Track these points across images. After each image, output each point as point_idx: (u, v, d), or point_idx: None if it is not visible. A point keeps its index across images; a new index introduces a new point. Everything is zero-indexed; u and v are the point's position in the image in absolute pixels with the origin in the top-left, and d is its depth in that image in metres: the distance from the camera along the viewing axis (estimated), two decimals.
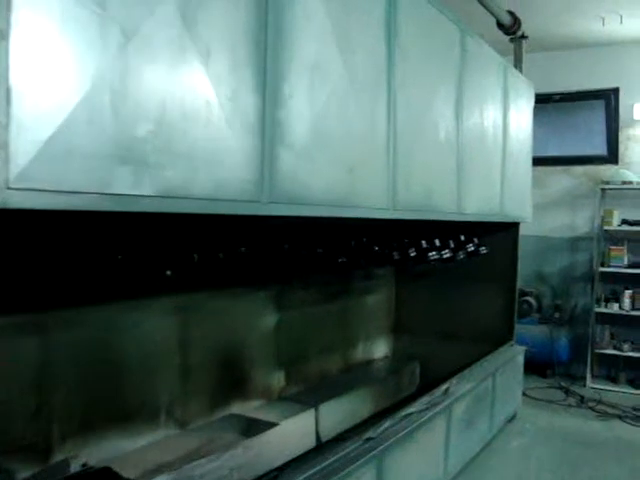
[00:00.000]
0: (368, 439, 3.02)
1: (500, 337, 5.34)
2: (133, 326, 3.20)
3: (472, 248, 4.71)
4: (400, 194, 2.88)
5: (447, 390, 3.81)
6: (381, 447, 2.99)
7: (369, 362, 5.46)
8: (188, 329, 3.53)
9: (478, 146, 3.96)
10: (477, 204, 3.96)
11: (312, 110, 2.25)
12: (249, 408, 4.00)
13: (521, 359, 5.35)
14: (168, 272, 2.31)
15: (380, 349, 5.66)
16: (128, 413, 3.20)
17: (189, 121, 1.76)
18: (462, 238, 4.68)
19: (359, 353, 5.30)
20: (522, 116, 4.90)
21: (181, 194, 1.76)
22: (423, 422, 3.38)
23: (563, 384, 6.41)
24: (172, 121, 1.71)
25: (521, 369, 5.37)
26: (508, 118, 4.51)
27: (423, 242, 3.97)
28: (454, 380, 3.93)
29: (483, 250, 4.93)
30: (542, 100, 6.19)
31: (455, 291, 5.53)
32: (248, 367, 4.04)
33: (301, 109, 2.20)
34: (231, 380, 3.92)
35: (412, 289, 5.77)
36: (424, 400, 3.53)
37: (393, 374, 5.26)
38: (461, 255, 4.43)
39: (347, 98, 2.46)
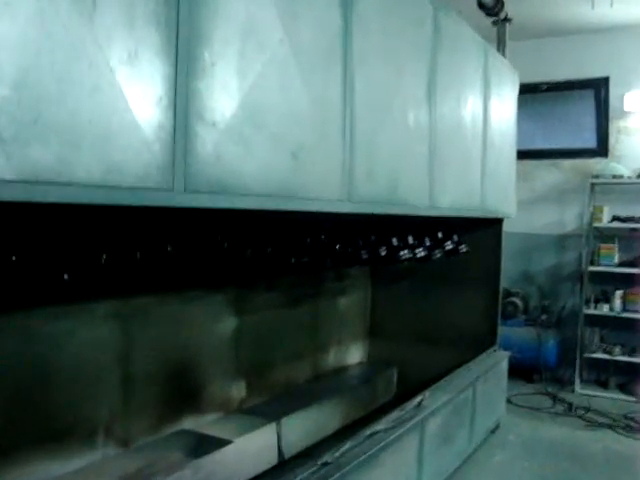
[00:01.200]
0: (325, 464, 2.65)
1: (482, 341, 5.00)
2: (62, 336, 2.83)
3: (451, 246, 4.36)
4: (358, 184, 2.51)
5: (420, 403, 3.45)
6: (339, 473, 2.63)
7: (342, 369, 5.10)
8: (131, 337, 3.17)
9: (454, 134, 3.60)
10: (453, 198, 3.60)
11: (242, 82, 1.88)
12: (203, 423, 3.64)
13: (505, 365, 4.99)
14: (65, 276, 1.92)
15: (354, 355, 5.30)
16: (58, 433, 2.83)
17: (66, 86, 1.39)
18: (440, 235, 4.33)
19: (331, 360, 4.94)
20: (505, 104, 4.54)
21: (56, 179, 1.38)
22: (391, 441, 3.01)
23: (550, 390, 6.07)
24: (39, 85, 1.34)
25: (505, 376, 5.01)
26: (489, 105, 4.15)
27: (394, 240, 3.61)
28: (427, 392, 3.56)
29: (463, 248, 4.58)
30: (528, 90, 5.85)
31: (435, 292, 5.20)
32: (202, 377, 3.68)
33: (227, 80, 1.83)
34: (182, 392, 3.56)
35: (389, 290, 5.41)
36: (393, 416, 3.17)
37: (367, 382, 4.91)
38: (438, 254, 4.07)
39: (289, 70, 2.09)
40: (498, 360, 4.84)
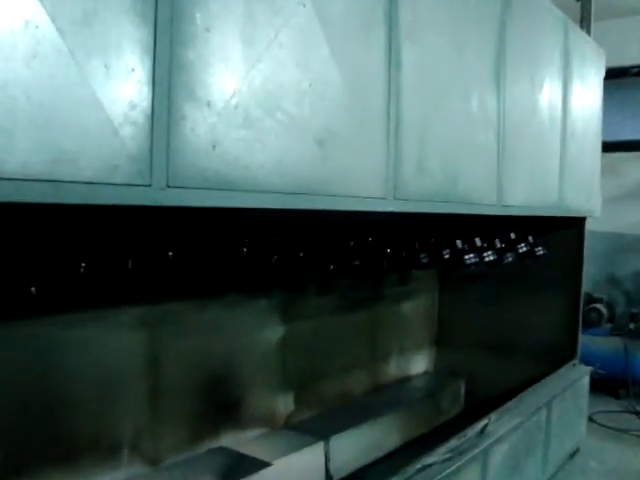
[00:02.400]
0: None
1: (561, 353, 4.49)
2: (85, 344, 2.58)
3: (525, 249, 3.88)
4: (407, 179, 2.12)
5: (484, 429, 3.02)
6: None
7: (404, 380, 4.70)
8: (161, 345, 2.89)
9: (528, 122, 3.14)
10: (526, 195, 3.15)
11: (249, 51, 1.52)
12: (244, 440, 3.33)
13: (586, 382, 4.46)
14: (32, 289, 1.62)
15: (418, 364, 4.89)
16: (78, 449, 2.58)
17: None
18: (512, 236, 3.86)
19: (392, 370, 4.55)
20: (589, 88, 4.02)
21: None
22: (447, 476, 2.61)
23: (639, 409, 5.45)
24: None
25: (586, 394, 4.48)
26: (570, 89, 3.65)
27: (458, 242, 3.18)
28: (493, 415, 3.13)
29: (540, 251, 4.10)
30: (615, 75, 5.27)
31: (509, 297, 4.72)
32: (244, 390, 3.37)
33: (228, 49, 1.48)
34: (221, 406, 3.26)
35: (458, 294, 4.97)
36: (451, 445, 2.75)
37: (430, 396, 4.49)
38: (509, 258, 3.61)
39: (313, 38, 1.72)
40: (578, 376, 4.33)
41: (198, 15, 1.40)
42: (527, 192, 3.16)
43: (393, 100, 2.05)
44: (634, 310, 6.04)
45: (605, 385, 5.62)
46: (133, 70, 1.27)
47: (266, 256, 2.83)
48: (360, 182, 1.93)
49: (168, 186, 1.35)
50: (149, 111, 1.31)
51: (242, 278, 2.94)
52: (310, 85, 1.71)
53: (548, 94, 3.34)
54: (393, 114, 2.05)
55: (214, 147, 1.44)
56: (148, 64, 1.30)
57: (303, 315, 3.70)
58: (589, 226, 4.55)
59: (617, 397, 5.77)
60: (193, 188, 1.40)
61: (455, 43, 2.46)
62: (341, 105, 1.83)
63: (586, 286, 5.11)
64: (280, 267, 2.88)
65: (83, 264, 2.02)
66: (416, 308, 4.77)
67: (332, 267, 3.06)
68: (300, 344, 3.67)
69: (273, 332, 3.52)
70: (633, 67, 5.75)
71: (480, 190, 2.64)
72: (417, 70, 2.18)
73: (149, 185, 1.32)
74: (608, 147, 4.85)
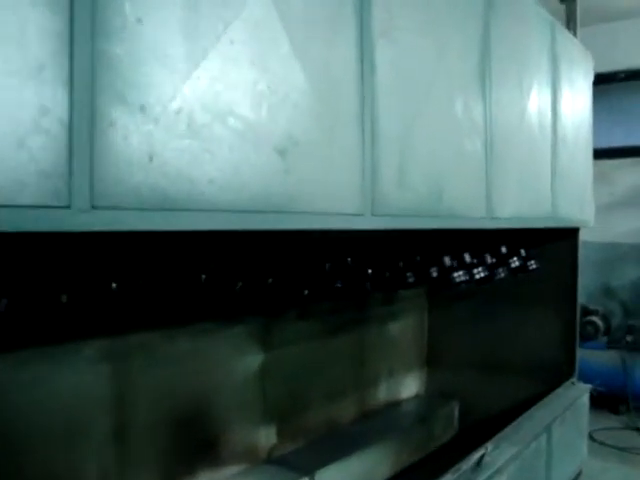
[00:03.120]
0: None
1: (558, 371, 4.27)
2: (40, 382, 2.33)
3: (517, 263, 3.67)
4: (385, 192, 1.90)
5: (481, 461, 2.78)
6: None
7: (394, 404, 4.45)
8: (129, 379, 2.65)
9: (517, 128, 2.94)
10: (517, 206, 2.93)
11: (192, 48, 1.30)
12: (221, 478, 3.08)
13: (586, 401, 4.23)
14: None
15: (409, 387, 4.65)
16: None
17: None
18: (504, 251, 3.65)
19: (381, 394, 4.31)
20: (578, 93, 3.83)
21: None
22: None
23: None
24: None
25: (586, 413, 4.25)
26: (559, 93, 3.46)
27: (446, 259, 2.96)
28: (490, 445, 2.89)
29: (532, 265, 3.88)
30: (603, 80, 5.09)
31: (501, 315, 4.50)
32: (221, 423, 3.12)
33: (165, 44, 1.25)
34: (196, 442, 3.00)
35: (448, 313, 4.74)
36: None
37: (422, 420, 4.25)
38: (501, 274, 3.39)
39: (271, 33, 1.50)
40: (578, 395, 4.10)
41: (127, 3, 1.18)
42: (518, 203, 2.95)
43: (368, 104, 1.83)
44: (631, 322, 5.83)
45: (604, 401, 5.40)
46: (42, 67, 1.05)
47: (238, 280, 2.63)
48: (332, 197, 1.70)
49: (93, 207, 1.12)
50: (66, 117, 1.08)
51: (214, 304, 2.72)
52: (268, 87, 1.49)
53: (537, 99, 3.14)
54: (368, 120, 1.83)
55: (151, 159, 1.21)
56: (62, 60, 1.07)
57: (283, 341, 3.46)
58: (583, 236, 4.35)
59: (617, 413, 5.56)
60: (125, 209, 1.17)
61: (435, 43, 2.25)
62: (306, 110, 1.60)
63: (581, 298, 4.91)
64: (255, 291, 2.68)
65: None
66: (404, 328, 4.54)
67: (307, 292, 2.85)
68: (281, 372, 3.43)
69: (251, 360, 3.28)
70: (620, 72, 5.58)
71: (468, 202, 2.42)
72: (394, 72, 1.96)
73: (67, 207, 1.09)
74: (598, 154, 4.66)
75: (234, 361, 3.19)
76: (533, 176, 3.17)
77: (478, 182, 2.51)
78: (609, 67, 5.42)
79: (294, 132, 1.56)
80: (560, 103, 3.49)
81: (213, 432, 3.08)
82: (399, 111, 1.99)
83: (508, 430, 3.17)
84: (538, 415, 3.51)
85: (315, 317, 3.68)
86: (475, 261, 3.35)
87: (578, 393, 4.12)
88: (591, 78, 4.06)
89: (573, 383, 4.21)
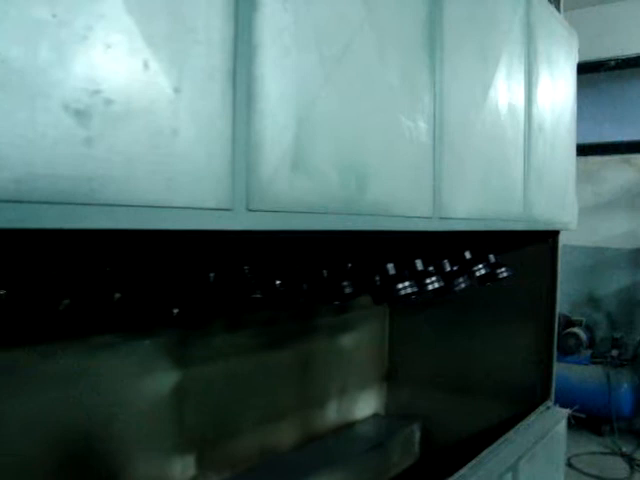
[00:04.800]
0: None
1: (532, 393, 3.77)
2: None
3: (483, 271, 3.15)
4: (269, 177, 1.37)
5: None
6: None
7: (346, 427, 3.94)
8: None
9: (478, 108, 2.42)
10: (477, 204, 2.42)
11: None
12: None
13: (563, 428, 3.70)
14: None
15: (365, 406, 4.14)
16: None
17: None
18: (467, 256, 3.14)
19: (330, 416, 3.80)
20: (558, 75, 3.31)
21: None
22: None
23: (625, 450, 4.74)
24: None
25: (563, 444, 3.73)
26: (535, 72, 2.94)
27: (390, 266, 2.45)
28: None
29: (503, 273, 3.36)
30: (591, 69, 4.60)
31: (472, 325, 4.00)
32: (124, 455, 2.62)
33: None
34: (92, 478, 2.51)
35: (413, 323, 4.24)
36: None
37: (378, 446, 3.74)
38: (462, 284, 2.87)
39: None
40: (553, 423, 3.57)
41: None
42: (478, 201, 2.43)
43: (242, 52, 1.30)
44: (617, 335, 5.34)
45: (585, 421, 4.91)
46: None
47: (143, 284, 2.15)
48: (174, 182, 1.17)
49: None
50: None
51: (112, 314, 2.22)
52: (54, 16, 0.97)
53: (505, 76, 2.63)
54: (243, 77, 1.31)
55: None
56: None
57: (206, 356, 2.95)
58: (564, 240, 3.84)
59: (600, 434, 5.07)
60: None
61: None
62: (129, 51, 1.08)
63: (563, 308, 4.46)
64: (166, 297, 2.19)
65: None
66: (360, 339, 4.03)
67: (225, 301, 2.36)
68: (203, 393, 2.93)
69: (163, 380, 2.78)
70: (610, 60, 5.07)
71: (405, 197, 1.90)
72: (291, 16, 1.44)
73: None
74: (584, 150, 4.17)
75: (140, 380, 2.68)
76: (500, 169, 2.66)
77: (421, 173, 1.99)
78: (598, 54, 4.92)
79: (104, 83, 1.04)
80: (536, 85, 2.98)
81: (112, 465, 2.58)
82: (296, 65, 1.46)
83: (465, 471, 2.65)
84: (503, 450, 2.99)
85: (248, 328, 3.17)
86: (431, 269, 2.85)
87: (554, 420, 3.59)
88: (575, 59, 3.54)
89: (548, 407, 3.69)
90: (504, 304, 3.86)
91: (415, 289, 2.42)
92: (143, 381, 2.68)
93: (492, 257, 3.38)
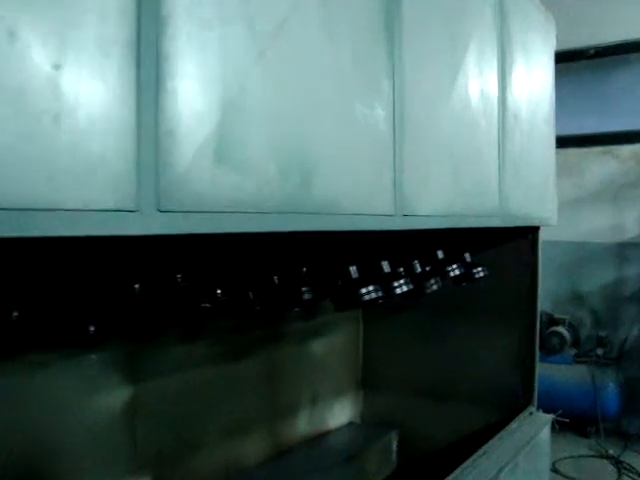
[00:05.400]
0: None
1: (513, 397, 3.58)
2: None
3: (457, 272, 2.96)
4: (186, 171, 1.16)
5: None
6: None
7: (320, 437, 3.74)
8: None
9: (444, 96, 2.22)
10: (446, 200, 2.22)
11: None
12: None
13: (546, 435, 3.51)
14: None
15: (340, 414, 3.94)
16: None
17: None
18: (440, 256, 2.94)
19: (301, 426, 3.60)
20: (535, 61, 3.13)
21: None
22: None
23: (612, 452, 4.56)
24: None
25: (546, 451, 3.53)
26: (509, 58, 2.75)
27: (353, 269, 2.24)
28: None
29: (480, 272, 3.18)
30: (570, 57, 4.43)
31: (450, 328, 3.81)
32: (71, 477, 2.42)
33: None
34: None
35: (388, 325, 4.04)
36: None
37: (353, 457, 3.55)
38: (434, 285, 2.68)
39: None
40: (536, 430, 3.38)
41: None
42: (448, 196, 2.23)
43: (147, 23, 1.09)
44: (602, 333, 5.17)
45: (570, 422, 4.74)
46: None
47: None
48: (61, 183, 0.96)
49: None
50: None
51: (54, 326, 2.00)
52: None
53: (476, 61, 2.43)
54: (149, 49, 1.10)
55: None
56: None
57: (162, 369, 2.74)
58: (545, 235, 3.66)
59: (586, 436, 4.91)
60: None
61: None
62: None
63: (545, 305, 4.29)
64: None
65: None
66: (333, 344, 3.82)
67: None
68: (158, 408, 2.72)
69: (113, 396, 2.57)
70: (589, 48, 4.89)
71: (360, 193, 1.69)
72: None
73: None
74: (564, 141, 3.99)
75: (88, 397, 2.47)
76: (472, 161, 2.46)
77: (380, 165, 1.79)
78: (577, 43, 4.74)
79: None
80: (510, 72, 2.78)
81: None
82: (223, 46, 1.25)
83: None
84: (483, 463, 2.80)
85: (209, 337, 2.96)
86: (402, 270, 2.65)
87: (537, 427, 3.40)
88: (552, 46, 3.35)
89: (531, 413, 3.50)
90: (483, 304, 3.67)
91: (380, 294, 2.22)
92: (91, 398, 2.48)
93: (468, 256, 3.19)
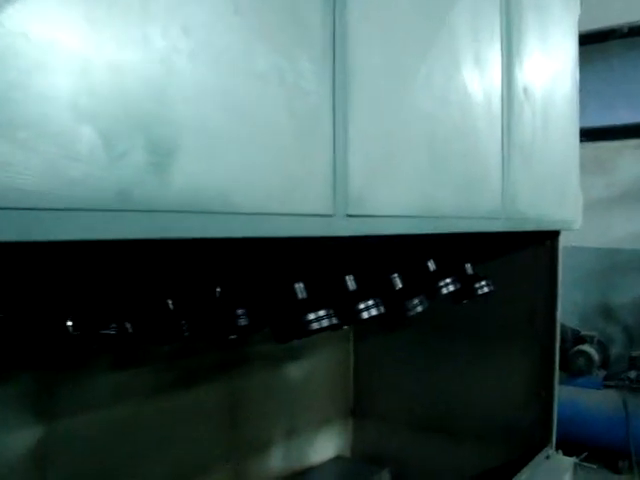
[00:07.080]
0: None
1: (527, 435, 3.02)
2: None
3: (452, 287, 2.39)
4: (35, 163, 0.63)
5: None
6: None
7: (300, 474, 3.22)
8: None
9: (420, 53, 1.67)
10: (423, 194, 1.67)
11: None
12: None
13: None
14: None
15: (325, 447, 3.43)
16: None
17: None
18: (432, 267, 2.38)
19: (275, 462, 3.08)
20: (554, 28, 2.56)
21: None
22: None
23: None
24: None
25: None
26: (515, 19, 2.19)
27: (299, 287, 1.70)
28: None
29: (484, 288, 2.61)
30: (600, 38, 3.84)
31: (452, 350, 3.29)
32: None
33: None
34: None
35: (383, 347, 3.53)
36: None
37: None
38: (418, 306, 2.11)
39: None
40: (554, 477, 2.81)
41: None
42: (425, 190, 1.67)
43: None
44: (635, 352, 4.58)
45: (600, 455, 4.16)
46: None
47: None
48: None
49: None
50: None
51: None
52: None
53: (470, 13, 1.88)
54: None
55: None
56: None
57: (84, 405, 2.26)
58: (568, 240, 3.08)
59: (617, 472, 4.34)
60: None
61: None
62: None
63: (570, 321, 3.74)
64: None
65: None
66: (316, 368, 3.31)
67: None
68: (76, 453, 2.23)
69: (19, 437, 2.10)
70: (622, 26, 4.27)
71: (269, 182, 1.14)
72: None
73: None
74: (592, 134, 3.41)
75: None
76: (462, 145, 1.90)
77: (306, 142, 1.24)
78: (607, 21, 4.15)
79: None
80: (518, 34, 2.22)
81: None
82: None
83: None
84: None
85: (148, 364, 2.46)
86: (381, 285, 2.11)
87: (555, 474, 2.82)
88: (577, 9, 2.77)
89: (548, 457, 2.91)
90: (492, 324, 3.14)
91: (335, 321, 1.67)
92: None
93: (469, 267, 2.63)
